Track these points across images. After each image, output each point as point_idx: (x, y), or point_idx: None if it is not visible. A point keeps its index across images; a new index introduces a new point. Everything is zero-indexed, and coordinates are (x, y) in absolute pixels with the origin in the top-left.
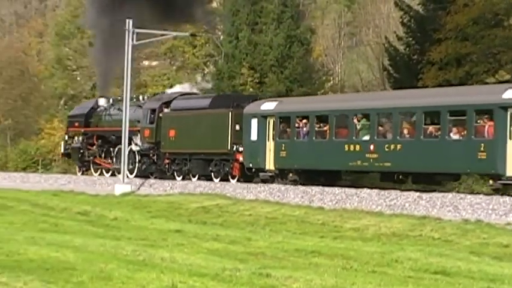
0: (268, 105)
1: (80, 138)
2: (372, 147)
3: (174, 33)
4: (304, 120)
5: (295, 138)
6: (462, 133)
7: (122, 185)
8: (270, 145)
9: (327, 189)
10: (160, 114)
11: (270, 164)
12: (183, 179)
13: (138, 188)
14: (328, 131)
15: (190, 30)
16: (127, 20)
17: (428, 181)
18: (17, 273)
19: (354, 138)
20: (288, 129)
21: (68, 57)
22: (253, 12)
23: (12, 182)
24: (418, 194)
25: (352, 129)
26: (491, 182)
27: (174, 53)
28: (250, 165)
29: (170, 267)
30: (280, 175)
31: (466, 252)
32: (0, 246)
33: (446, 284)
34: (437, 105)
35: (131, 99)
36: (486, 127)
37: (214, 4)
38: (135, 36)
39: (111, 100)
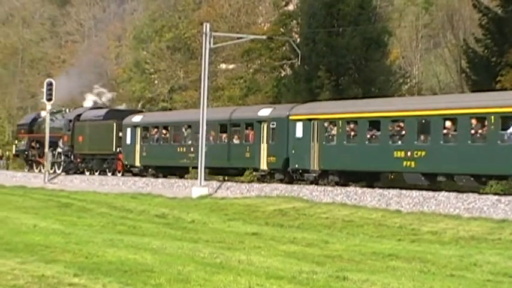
0: (136, 118)
1: (25, 142)
2: None
3: (251, 36)
4: (155, 129)
5: (151, 142)
6: None
7: (199, 187)
8: (138, 147)
9: (404, 192)
10: (75, 124)
11: (137, 161)
12: (90, 174)
13: (215, 191)
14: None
15: (267, 33)
16: (204, 23)
17: None
18: (95, 275)
19: (183, 142)
20: (148, 136)
21: (146, 60)
22: (330, 15)
23: (90, 184)
24: (496, 197)
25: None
26: None
27: (250, 55)
28: (126, 162)
29: (247, 269)
30: (145, 170)
31: None
32: (79, 248)
33: None
34: None
35: (59, 111)
36: None
37: (291, 7)
38: (212, 39)
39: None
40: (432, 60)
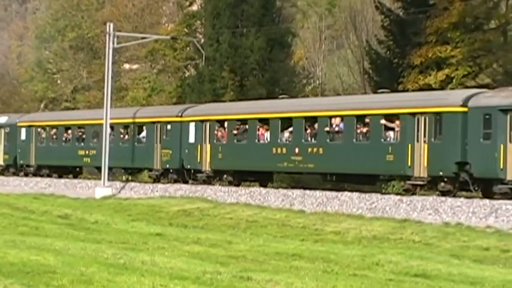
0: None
1: None
2: None
3: (155, 36)
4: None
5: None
6: None
7: (103, 188)
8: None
9: (308, 192)
10: None
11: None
12: None
13: (119, 191)
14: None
15: (171, 33)
16: (107, 23)
17: None
18: None
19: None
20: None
21: (49, 60)
22: (234, 16)
23: None
24: (398, 197)
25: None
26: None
27: (154, 56)
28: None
29: (151, 270)
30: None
31: (446, 255)
32: None
33: (426, 286)
34: None
35: None
36: None
37: (195, 7)
38: (115, 39)
39: None
40: (335, 61)
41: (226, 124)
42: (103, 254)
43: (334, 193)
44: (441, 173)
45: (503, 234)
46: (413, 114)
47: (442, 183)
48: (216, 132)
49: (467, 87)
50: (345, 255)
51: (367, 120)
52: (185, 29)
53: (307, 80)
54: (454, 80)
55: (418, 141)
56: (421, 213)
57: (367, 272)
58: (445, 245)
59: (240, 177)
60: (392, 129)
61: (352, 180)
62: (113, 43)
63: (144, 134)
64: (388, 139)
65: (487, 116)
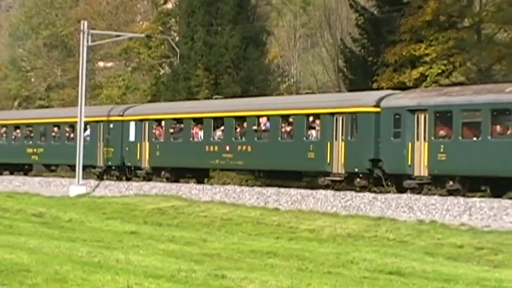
0: None
1: None
2: None
3: (130, 34)
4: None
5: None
6: None
7: (77, 186)
8: None
9: (282, 190)
10: None
11: None
12: None
13: (93, 190)
14: None
15: (146, 32)
16: (82, 21)
17: None
18: None
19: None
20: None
21: (22, 58)
22: (209, 14)
23: None
24: (373, 195)
25: None
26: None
27: (129, 54)
28: None
29: (125, 268)
30: None
31: (420, 253)
32: None
33: (401, 284)
34: None
35: None
36: None
37: (170, 5)
38: (90, 37)
39: None
40: (310, 59)
41: (163, 123)
42: (77, 252)
43: (308, 191)
44: (357, 170)
45: (477, 232)
46: (332, 114)
47: (358, 179)
48: (154, 130)
49: (441, 85)
50: (320, 253)
51: (291, 119)
52: (160, 27)
53: (282, 78)
54: (428, 78)
55: (336, 139)
56: (395, 211)
57: (341, 270)
58: (419, 242)
59: (177, 174)
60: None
61: (279, 176)
62: (87, 41)
63: (88, 132)
64: (310, 137)
65: (397, 116)
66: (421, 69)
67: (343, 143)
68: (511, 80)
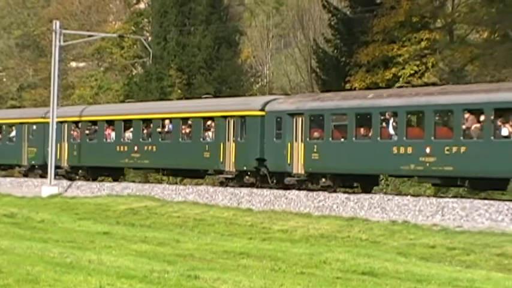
0: None
1: None
2: None
3: (102, 34)
4: None
5: None
6: None
7: (49, 187)
8: None
9: (255, 190)
10: None
11: None
12: None
13: (65, 190)
14: None
15: (118, 32)
16: (54, 21)
17: None
18: None
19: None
20: None
21: None
22: (182, 14)
23: None
24: (346, 195)
25: None
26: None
27: (101, 54)
28: None
29: (98, 269)
30: None
31: (393, 253)
32: None
33: (373, 284)
34: None
35: None
36: None
37: (142, 5)
38: (62, 37)
39: None
40: (283, 59)
41: (80, 125)
42: (49, 253)
43: (281, 192)
44: (245, 168)
45: (449, 232)
46: (225, 117)
47: (247, 177)
48: (72, 132)
49: (414, 86)
50: (293, 253)
51: (189, 122)
52: (132, 27)
53: (255, 78)
54: (400, 79)
55: (228, 140)
56: (368, 212)
57: (314, 270)
58: (392, 243)
59: (93, 173)
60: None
61: (181, 174)
62: (60, 41)
63: (14, 133)
64: (207, 138)
65: (279, 119)
66: (393, 69)
67: (233, 144)
68: (482, 80)
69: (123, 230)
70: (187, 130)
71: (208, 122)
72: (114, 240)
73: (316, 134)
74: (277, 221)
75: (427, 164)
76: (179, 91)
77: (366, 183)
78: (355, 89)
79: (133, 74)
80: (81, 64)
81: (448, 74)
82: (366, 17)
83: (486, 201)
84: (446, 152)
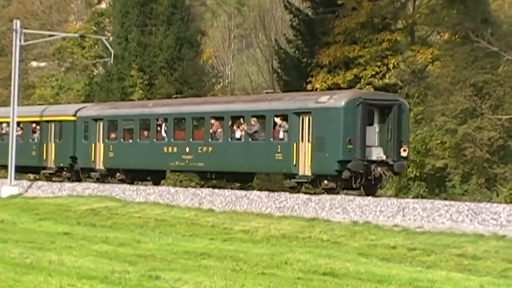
0: None
1: None
2: None
3: (63, 34)
4: None
5: None
6: None
7: (9, 187)
8: None
9: (216, 191)
10: None
11: None
12: None
13: (26, 190)
14: None
15: (80, 31)
16: (14, 20)
17: None
18: None
19: None
20: None
21: None
22: (143, 14)
23: None
24: (307, 196)
25: None
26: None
27: (62, 54)
28: None
29: (58, 270)
30: None
31: (354, 254)
32: None
33: (334, 285)
34: None
35: None
36: None
37: (104, 5)
38: (22, 36)
39: None
40: (244, 60)
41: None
42: (9, 253)
43: (243, 192)
44: (62, 164)
45: (410, 233)
46: (48, 121)
47: (64, 172)
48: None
49: (375, 87)
50: (254, 254)
51: (21, 126)
52: (93, 27)
53: (217, 79)
54: (362, 80)
55: (50, 141)
56: (329, 212)
57: (275, 271)
58: (353, 243)
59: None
60: None
61: None
62: (20, 40)
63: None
64: (35, 140)
65: (86, 123)
66: (355, 70)
67: (54, 144)
68: (443, 81)
69: (84, 231)
70: (20, 133)
71: (33, 125)
72: (75, 241)
73: (112, 136)
74: (239, 221)
75: (187, 161)
76: (140, 91)
77: (155, 177)
78: (316, 89)
79: (95, 74)
80: (42, 64)
81: (409, 75)
82: (327, 18)
83: (447, 202)
84: (199, 151)
